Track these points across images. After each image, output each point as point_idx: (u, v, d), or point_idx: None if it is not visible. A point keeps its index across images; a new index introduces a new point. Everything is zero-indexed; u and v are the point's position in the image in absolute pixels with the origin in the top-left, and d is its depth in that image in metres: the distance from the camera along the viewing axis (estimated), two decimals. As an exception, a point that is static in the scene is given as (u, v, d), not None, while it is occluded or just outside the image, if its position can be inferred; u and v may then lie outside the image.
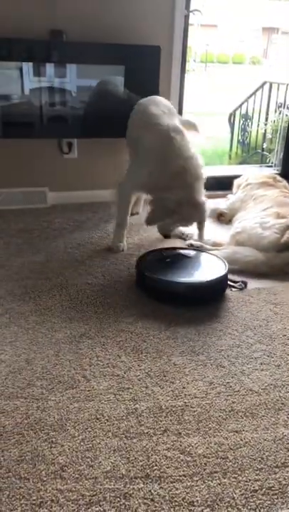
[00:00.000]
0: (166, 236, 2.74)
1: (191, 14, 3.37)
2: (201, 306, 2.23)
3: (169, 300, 2.23)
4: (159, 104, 2.87)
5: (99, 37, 3.07)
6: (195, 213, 2.59)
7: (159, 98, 3.01)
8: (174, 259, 2.52)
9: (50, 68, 3.07)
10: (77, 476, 1.33)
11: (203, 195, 2.60)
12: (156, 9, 3.19)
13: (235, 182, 3.44)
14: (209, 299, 2.30)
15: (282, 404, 1.65)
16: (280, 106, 5.02)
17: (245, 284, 2.44)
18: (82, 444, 1.44)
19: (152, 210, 2.62)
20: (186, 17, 3.32)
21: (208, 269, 2.43)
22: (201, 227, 2.71)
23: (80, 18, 3.04)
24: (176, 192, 2.48)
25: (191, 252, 2.61)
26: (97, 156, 3.42)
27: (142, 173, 2.63)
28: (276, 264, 2.59)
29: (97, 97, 3.22)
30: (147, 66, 3.17)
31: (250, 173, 3.47)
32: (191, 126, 3.15)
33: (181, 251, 2.63)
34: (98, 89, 3.22)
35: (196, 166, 2.57)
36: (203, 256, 2.59)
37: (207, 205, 2.64)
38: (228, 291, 2.39)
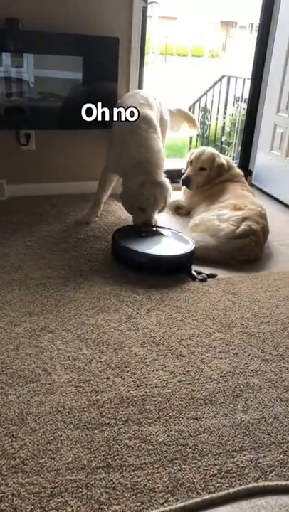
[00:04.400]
0: (145, 225, 2.78)
1: (149, 6, 3.37)
2: (163, 291, 2.26)
3: (134, 267, 2.48)
4: (136, 96, 3.03)
5: (57, 27, 3.02)
6: (158, 192, 2.71)
7: (139, 91, 3.23)
8: (150, 235, 2.74)
9: (6, 58, 2.99)
10: (38, 469, 1.33)
11: (163, 177, 2.77)
12: (115, 0, 3.17)
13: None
14: (169, 270, 2.51)
15: (240, 390, 1.70)
16: (238, 100, 5.12)
17: (213, 276, 2.49)
18: (43, 437, 1.44)
19: (122, 200, 2.83)
20: (144, 9, 3.31)
21: (175, 246, 2.63)
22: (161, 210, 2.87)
23: (36, 6, 2.98)
24: (138, 177, 2.67)
25: (166, 231, 2.81)
26: (55, 148, 3.38)
27: (109, 158, 2.96)
28: (226, 249, 2.65)
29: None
30: (106, 58, 3.14)
31: None
32: (189, 119, 3.54)
33: (158, 229, 2.83)
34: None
35: (158, 158, 2.76)
36: (175, 235, 2.76)
37: (169, 184, 2.79)
38: (189, 282, 2.43)
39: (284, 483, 0.58)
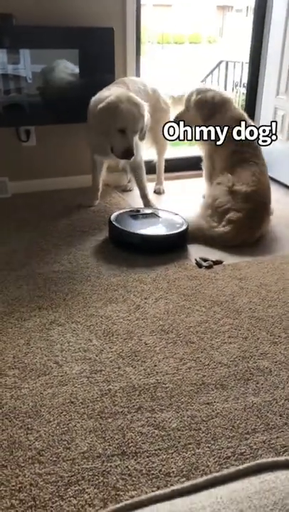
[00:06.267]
0: (128, 153, 2.67)
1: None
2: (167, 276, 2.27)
3: (129, 248, 2.59)
4: (118, 82, 3.02)
5: (50, 20, 3.00)
6: (136, 110, 2.63)
7: (123, 78, 3.16)
8: (145, 217, 2.84)
9: (2, 54, 2.99)
10: (54, 459, 1.36)
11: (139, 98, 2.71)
12: (107, -10, 3.15)
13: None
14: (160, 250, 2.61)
15: (251, 374, 1.71)
16: (237, 85, 5.08)
17: (219, 262, 2.50)
18: (58, 428, 1.46)
19: (94, 125, 2.74)
20: (138, -3, 3.28)
21: (168, 227, 2.73)
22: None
23: (29, 0, 2.96)
24: (112, 96, 2.63)
25: (161, 212, 2.90)
26: (56, 143, 3.38)
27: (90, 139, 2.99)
28: (209, 237, 2.72)
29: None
30: (101, 49, 3.13)
31: None
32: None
33: (154, 211, 2.93)
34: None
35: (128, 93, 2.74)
36: (170, 216, 2.85)
37: (147, 109, 2.72)
38: (196, 269, 2.43)
39: (294, 458, 0.59)
